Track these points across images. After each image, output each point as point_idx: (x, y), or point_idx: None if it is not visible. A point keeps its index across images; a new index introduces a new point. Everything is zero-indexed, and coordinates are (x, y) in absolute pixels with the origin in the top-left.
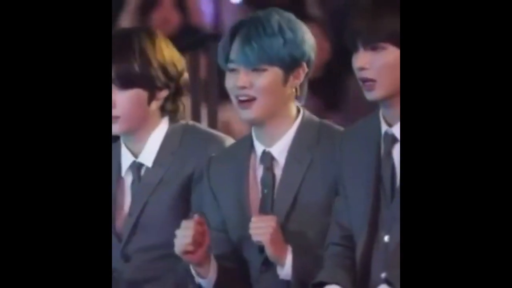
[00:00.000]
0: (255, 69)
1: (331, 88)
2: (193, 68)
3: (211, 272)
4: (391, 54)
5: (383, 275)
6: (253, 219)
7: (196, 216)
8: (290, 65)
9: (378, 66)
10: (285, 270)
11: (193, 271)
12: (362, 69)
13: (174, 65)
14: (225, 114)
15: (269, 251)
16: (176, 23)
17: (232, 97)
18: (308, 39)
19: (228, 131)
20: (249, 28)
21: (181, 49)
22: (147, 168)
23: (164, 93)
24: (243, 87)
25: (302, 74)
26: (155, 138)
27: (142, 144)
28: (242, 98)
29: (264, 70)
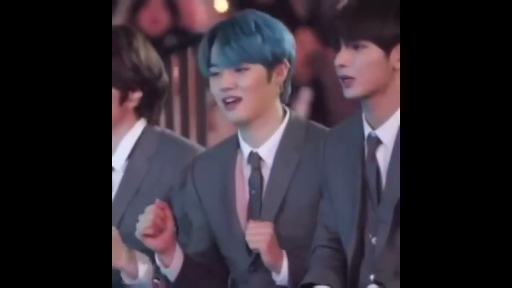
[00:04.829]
0: (238, 69)
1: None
2: (182, 69)
3: (175, 261)
4: (372, 53)
5: (371, 277)
6: (250, 225)
7: (157, 201)
8: (272, 62)
9: (358, 64)
10: (281, 276)
11: (157, 261)
12: (342, 66)
13: (149, 68)
14: (214, 115)
15: (266, 258)
16: (165, 23)
17: (218, 101)
18: (287, 36)
19: (217, 131)
20: (226, 29)
21: (170, 49)
22: (124, 175)
23: (137, 95)
24: (228, 88)
25: (284, 70)
26: (128, 140)
27: (115, 145)
28: (229, 100)
29: (247, 69)
